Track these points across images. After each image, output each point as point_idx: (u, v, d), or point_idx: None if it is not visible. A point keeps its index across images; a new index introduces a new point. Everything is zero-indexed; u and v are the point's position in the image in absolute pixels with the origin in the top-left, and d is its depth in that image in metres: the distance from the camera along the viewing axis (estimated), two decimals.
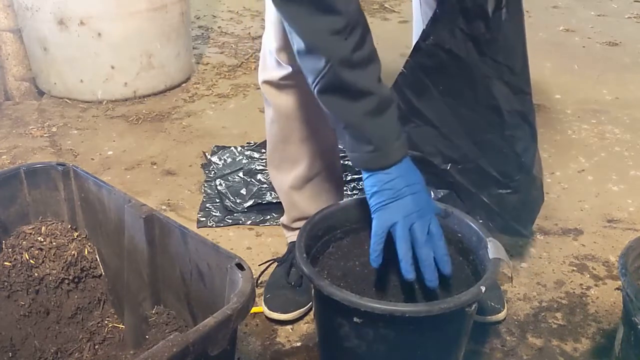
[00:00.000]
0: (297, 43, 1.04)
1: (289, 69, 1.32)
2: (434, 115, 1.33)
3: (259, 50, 1.41)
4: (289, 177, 1.47)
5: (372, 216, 1.10)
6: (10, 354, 1.21)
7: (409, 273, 1.07)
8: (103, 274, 1.32)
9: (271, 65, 1.36)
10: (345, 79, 1.01)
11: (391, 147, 1.07)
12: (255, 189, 1.97)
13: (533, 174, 1.34)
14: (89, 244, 1.32)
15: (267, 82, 1.38)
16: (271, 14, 1.29)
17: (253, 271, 1.02)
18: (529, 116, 1.29)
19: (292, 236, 1.56)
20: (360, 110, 1.04)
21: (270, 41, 1.33)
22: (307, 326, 1.46)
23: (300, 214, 1.51)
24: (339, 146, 1.44)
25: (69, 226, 1.32)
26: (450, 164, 1.38)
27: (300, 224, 1.31)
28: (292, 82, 1.34)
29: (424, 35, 1.26)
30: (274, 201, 1.89)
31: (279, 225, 1.71)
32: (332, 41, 0.99)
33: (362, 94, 1.04)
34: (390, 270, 1.22)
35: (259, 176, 2.03)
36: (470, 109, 1.30)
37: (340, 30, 0.98)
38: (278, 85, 1.36)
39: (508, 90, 1.26)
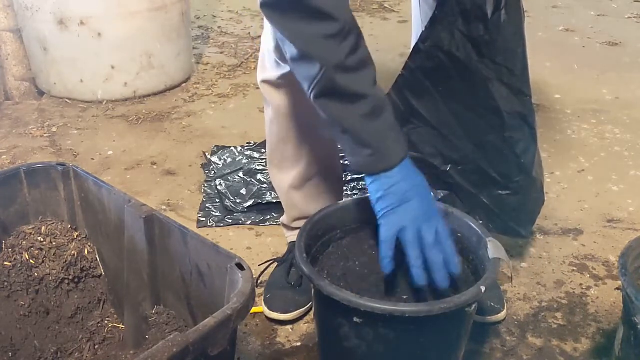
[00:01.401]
0: (290, 50, 1.04)
1: (288, 68, 1.31)
2: (433, 116, 1.33)
3: (259, 50, 1.41)
4: (288, 176, 1.47)
5: (379, 222, 1.09)
6: (10, 354, 1.21)
7: (421, 279, 1.06)
8: (103, 274, 1.32)
9: (270, 65, 1.36)
10: (339, 83, 1.01)
11: (390, 149, 1.07)
12: (255, 189, 1.97)
13: (533, 175, 1.34)
14: (89, 244, 1.32)
15: (266, 82, 1.38)
16: None
17: (253, 271, 1.02)
18: (529, 117, 1.29)
19: (292, 236, 1.56)
20: (356, 113, 1.04)
21: (268, 41, 1.33)
22: (307, 326, 1.46)
23: (300, 213, 1.51)
24: (339, 146, 1.44)
25: (69, 226, 1.32)
26: (450, 165, 1.38)
27: (300, 223, 1.31)
28: (291, 81, 1.34)
29: (423, 37, 1.26)
30: (274, 201, 1.89)
31: (279, 225, 1.71)
32: (327, 46, 0.99)
33: (357, 98, 1.03)
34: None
35: (259, 176, 2.03)
36: (470, 111, 1.30)
37: (335, 35, 0.98)
38: (277, 84, 1.36)
39: (508, 92, 1.26)
